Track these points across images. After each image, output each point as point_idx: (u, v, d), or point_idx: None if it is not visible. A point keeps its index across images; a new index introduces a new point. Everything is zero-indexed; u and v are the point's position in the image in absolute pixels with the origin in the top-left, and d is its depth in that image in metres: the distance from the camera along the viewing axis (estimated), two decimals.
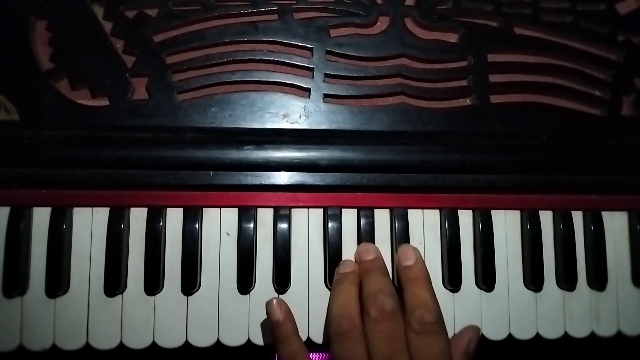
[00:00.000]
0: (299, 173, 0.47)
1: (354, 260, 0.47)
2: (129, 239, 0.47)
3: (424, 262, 0.45)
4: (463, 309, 0.48)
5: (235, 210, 0.48)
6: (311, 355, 0.49)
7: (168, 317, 0.46)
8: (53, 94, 0.47)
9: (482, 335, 0.48)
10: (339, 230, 0.47)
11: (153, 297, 0.47)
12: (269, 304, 0.44)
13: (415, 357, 0.40)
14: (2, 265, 0.45)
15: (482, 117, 0.50)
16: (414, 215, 0.49)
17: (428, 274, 0.44)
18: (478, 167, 0.49)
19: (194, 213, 0.47)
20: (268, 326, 0.44)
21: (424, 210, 0.49)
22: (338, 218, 0.48)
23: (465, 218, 0.50)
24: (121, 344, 0.46)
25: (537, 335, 0.49)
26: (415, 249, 0.45)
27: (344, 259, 0.47)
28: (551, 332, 0.49)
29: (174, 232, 0.47)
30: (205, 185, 0.47)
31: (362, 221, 0.48)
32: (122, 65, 0.48)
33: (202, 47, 0.49)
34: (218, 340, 0.46)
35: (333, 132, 0.49)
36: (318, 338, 0.47)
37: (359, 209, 0.48)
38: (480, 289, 0.49)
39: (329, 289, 0.47)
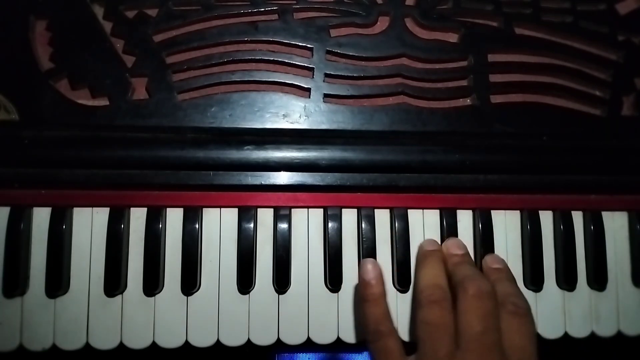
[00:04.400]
0: (299, 173, 0.47)
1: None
2: (129, 239, 0.47)
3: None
4: None
5: (235, 210, 0.48)
6: (311, 355, 0.49)
7: (168, 317, 0.46)
8: (53, 94, 0.47)
9: None
10: (339, 230, 0.47)
11: (153, 297, 0.47)
12: (364, 262, 0.44)
13: (509, 336, 0.40)
14: (2, 265, 0.45)
15: (482, 117, 0.50)
16: (414, 215, 0.49)
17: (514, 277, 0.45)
18: (478, 167, 0.49)
19: (194, 213, 0.47)
20: (359, 284, 0.44)
21: (424, 210, 0.49)
22: (338, 218, 0.48)
23: (465, 218, 0.50)
24: (121, 344, 0.46)
25: (537, 335, 0.49)
26: (502, 258, 0.47)
27: (344, 259, 0.47)
28: (551, 332, 0.49)
29: (174, 232, 0.47)
30: (205, 185, 0.47)
31: (362, 221, 0.48)
32: (122, 65, 0.48)
33: (202, 47, 0.49)
34: (218, 340, 0.46)
35: (333, 132, 0.49)
36: (318, 338, 0.47)
37: (359, 209, 0.48)
38: None
39: (329, 289, 0.48)
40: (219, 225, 0.48)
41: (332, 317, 0.47)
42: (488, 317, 0.39)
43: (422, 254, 0.46)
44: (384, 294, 0.43)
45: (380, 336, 0.41)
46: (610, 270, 0.50)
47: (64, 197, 0.47)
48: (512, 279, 0.44)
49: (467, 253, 0.46)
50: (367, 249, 0.47)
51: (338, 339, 0.47)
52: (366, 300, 0.43)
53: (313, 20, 0.50)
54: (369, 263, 0.43)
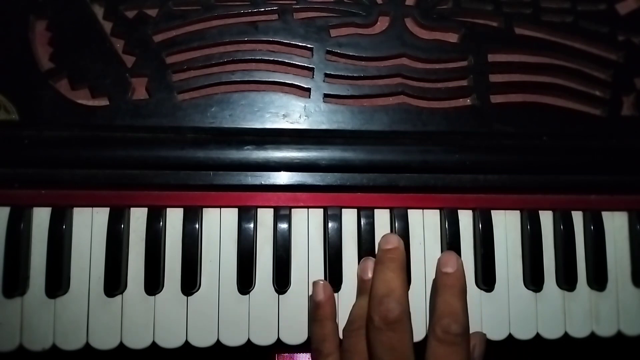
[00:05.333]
0: (299, 173, 0.47)
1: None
2: (129, 239, 0.47)
3: (464, 273, 0.44)
4: None
5: (235, 210, 0.48)
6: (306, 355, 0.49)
7: (168, 317, 0.46)
8: (53, 94, 0.47)
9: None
10: (339, 231, 0.47)
11: (153, 297, 0.47)
12: (315, 284, 0.45)
13: None
14: (2, 265, 0.45)
15: (482, 117, 0.50)
16: (414, 215, 0.49)
17: (465, 285, 0.43)
18: (478, 167, 0.49)
19: (194, 213, 0.47)
20: (310, 304, 0.46)
21: (424, 210, 0.49)
22: (338, 218, 0.48)
23: (465, 218, 0.50)
24: (121, 344, 0.46)
25: (537, 335, 0.49)
26: (458, 258, 0.44)
27: (344, 259, 0.47)
28: (551, 332, 0.49)
29: (174, 232, 0.47)
30: (205, 185, 0.47)
31: (362, 221, 0.48)
32: (122, 65, 0.48)
33: (202, 47, 0.49)
34: (218, 340, 0.46)
35: (333, 132, 0.49)
36: None
37: (359, 209, 0.48)
38: (480, 289, 0.49)
39: None
40: (219, 226, 0.48)
41: None
42: (394, 351, 0.38)
43: (379, 257, 0.45)
44: (332, 315, 0.44)
45: (318, 355, 0.43)
46: (610, 270, 0.50)
47: (64, 197, 0.47)
48: (459, 287, 0.42)
49: (396, 248, 0.44)
50: (367, 249, 0.47)
51: None
52: (314, 320, 0.44)
53: (313, 20, 0.50)
54: (320, 284, 0.45)
